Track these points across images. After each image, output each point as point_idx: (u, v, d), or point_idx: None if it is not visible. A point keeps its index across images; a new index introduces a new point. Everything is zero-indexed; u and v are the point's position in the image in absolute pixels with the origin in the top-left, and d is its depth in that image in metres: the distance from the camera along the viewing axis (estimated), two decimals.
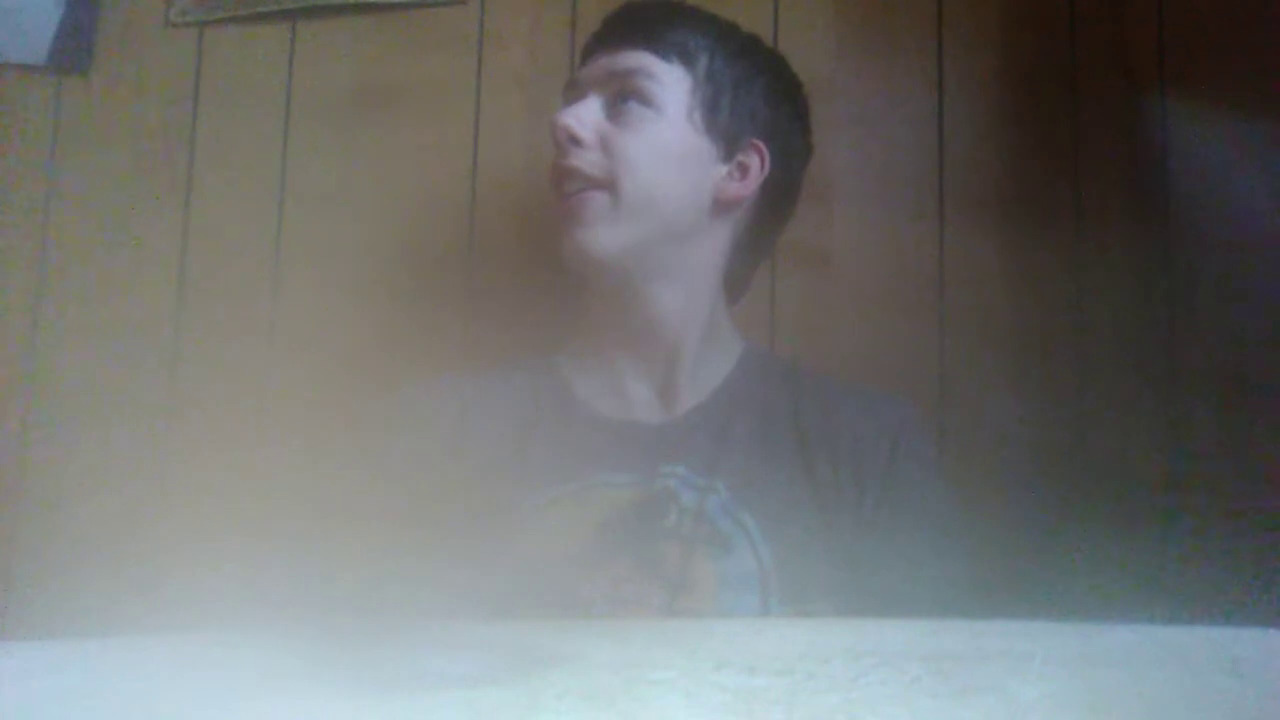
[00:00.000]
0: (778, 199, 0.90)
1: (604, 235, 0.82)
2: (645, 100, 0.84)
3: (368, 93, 1.14)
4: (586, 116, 0.84)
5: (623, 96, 0.84)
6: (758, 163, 0.87)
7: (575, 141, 0.83)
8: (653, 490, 0.79)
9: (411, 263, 1.11)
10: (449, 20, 1.13)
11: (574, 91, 0.88)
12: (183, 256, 1.13)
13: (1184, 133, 1.02)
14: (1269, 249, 0.99)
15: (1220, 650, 0.46)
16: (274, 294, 1.12)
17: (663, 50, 0.85)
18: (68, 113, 1.17)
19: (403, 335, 1.07)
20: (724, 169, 0.86)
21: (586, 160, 0.83)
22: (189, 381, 1.11)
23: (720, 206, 0.86)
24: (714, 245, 0.87)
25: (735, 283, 0.92)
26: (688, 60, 0.85)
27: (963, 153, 1.05)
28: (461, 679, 0.41)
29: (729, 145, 0.86)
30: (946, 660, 0.43)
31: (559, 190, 0.84)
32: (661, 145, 0.84)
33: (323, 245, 1.12)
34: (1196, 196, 1.01)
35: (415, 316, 1.09)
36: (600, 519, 0.77)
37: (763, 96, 0.88)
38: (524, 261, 1.08)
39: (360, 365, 1.06)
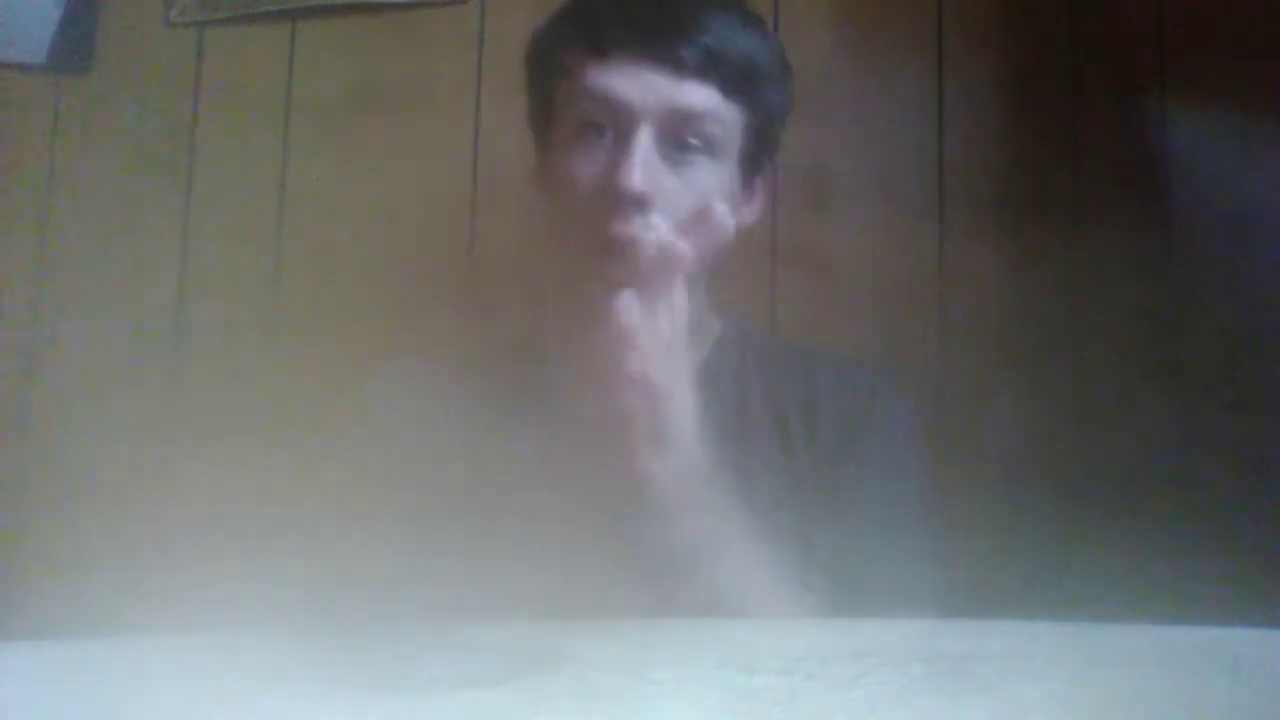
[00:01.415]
0: None
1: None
2: (711, 150, 0.73)
3: (368, 93, 1.14)
4: (654, 169, 0.70)
5: (681, 139, 0.72)
6: (760, 181, 0.82)
7: (641, 207, 0.69)
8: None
9: (411, 262, 1.11)
10: (449, 20, 1.13)
11: (614, 109, 0.71)
12: (183, 256, 1.13)
13: (1184, 133, 1.02)
14: (1269, 248, 0.99)
15: (1220, 650, 0.46)
16: (274, 293, 1.12)
17: (731, 86, 0.72)
18: (68, 113, 1.17)
19: (402, 335, 1.07)
20: (742, 197, 0.80)
21: (649, 229, 0.68)
22: (189, 380, 1.11)
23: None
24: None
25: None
26: (748, 94, 0.74)
27: (963, 153, 1.05)
28: (461, 680, 0.41)
29: (751, 175, 0.79)
30: (946, 660, 0.43)
31: (603, 249, 0.70)
32: (715, 198, 0.72)
33: (323, 245, 1.12)
34: (1196, 196, 1.01)
35: (415, 316, 1.09)
36: (582, 512, 0.77)
37: (785, 110, 0.80)
38: (524, 261, 1.08)
39: (360, 364, 1.06)
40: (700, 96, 0.72)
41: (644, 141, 0.70)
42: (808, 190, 1.04)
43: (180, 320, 1.13)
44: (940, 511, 0.84)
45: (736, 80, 0.73)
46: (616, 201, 0.69)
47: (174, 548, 1.04)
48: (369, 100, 1.14)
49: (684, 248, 0.69)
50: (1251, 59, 1.01)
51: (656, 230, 0.68)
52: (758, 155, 0.78)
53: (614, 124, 0.72)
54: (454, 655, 0.45)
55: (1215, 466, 0.96)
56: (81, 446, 1.10)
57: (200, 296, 1.13)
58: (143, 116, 1.16)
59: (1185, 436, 0.98)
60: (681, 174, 0.72)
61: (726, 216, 0.73)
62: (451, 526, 0.74)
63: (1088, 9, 1.05)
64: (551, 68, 0.76)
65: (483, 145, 1.10)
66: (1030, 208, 1.04)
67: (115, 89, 1.17)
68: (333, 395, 1.05)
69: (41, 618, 1.02)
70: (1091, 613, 0.49)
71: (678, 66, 0.71)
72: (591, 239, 0.70)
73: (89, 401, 1.11)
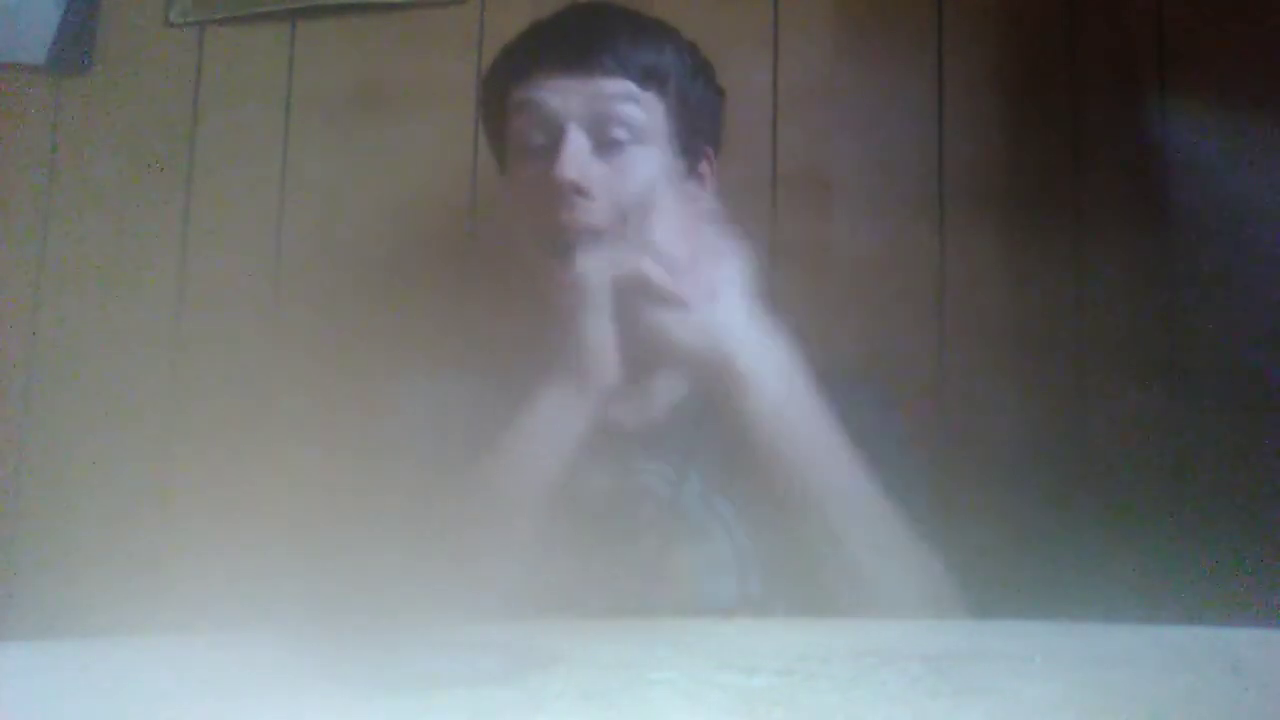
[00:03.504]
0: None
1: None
2: (637, 136, 0.80)
3: (368, 93, 1.14)
4: (586, 162, 0.78)
5: (609, 131, 0.79)
6: (707, 167, 0.87)
7: (581, 194, 0.77)
8: (629, 487, 0.80)
9: (411, 262, 1.11)
10: (449, 20, 1.13)
11: (543, 120, 0.80)
12: (183, 256, 1.13)
13: (1184, 133, 1.02)
14: (1269, 249, 0.99)
15: (1220, 650, 0.46)
16: (274, 293, 1.12)
17: (639, 76, 0.80)
18: (68, 113, 1.17)
19: (402, 335, 1.07)
20: (690, 185, 0.85)
21: (593, 214, 0.77)
22: (189, 381, 1.11)
23: None
24: None
25: None
26: (661, 85, 0.81)
27: (963, 153, 1.05)
28: (461, 679, 0.41)
29: (692, 160, 0.85)
30: (946, 660, 0.43)
31: (558, 241, 0.78)
32: (655, 182, 0.80)
33: (323, 244, 1.12)
34: (1196, 196, 1.01)
35: (415, 316, 1.09)
36: (578, 518, 0.78)
37: (709, 102, 0.87)
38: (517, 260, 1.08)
39: (360, 365, 1.06)
40: (616, 89, 0.79)
41: (574, 139, 0.78)
42: (808, 190, 1.04)
43: (180, 320, 1.13)
44: (940, 511, 0.84)
45: (647, 73, 0.80)
46: (558, 193, 0.77)
47: (174, 548, 1.04)
48: (369, 100, 1.14)
49: (615, 226, 0.77)
50: (1251, 59, 1.01)
51: (589, 214, 0.77)
52: (692, 142, 0.84)
53: (547, 133, 0.79)
54: (454, 654, 0.45)
55: (1215, 466, 0.96)
56: (81, 446, 1.10)
57: (200, 296, 1.13)
58: (143, 116, 1.16)
59: (1185, 436, 0.98)
60: (614, 163, 0.79)
61: (666, 194, 0.80)
62: (450, 525, 0.74)
63: (1088, 9, 1.05)
64: (493, 104, 0.86)
65: (482, 145, 1.10)
66: (1030, 207, 1.04)
67: (115, 89, 1.17)
68: (331, 395, 1.05)
69: (41, 618, 1.02)
70: (1091, 613, 0.49)
71: (592, 70, 0.79)
72: (545, 231, 0.78)
73: (89, 401, 1.11)
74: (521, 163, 0.82)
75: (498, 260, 1.06)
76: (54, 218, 1.15)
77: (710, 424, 0.84)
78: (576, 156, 0.77)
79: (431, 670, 0.42)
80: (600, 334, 0.73)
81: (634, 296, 0.73)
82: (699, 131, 0.85)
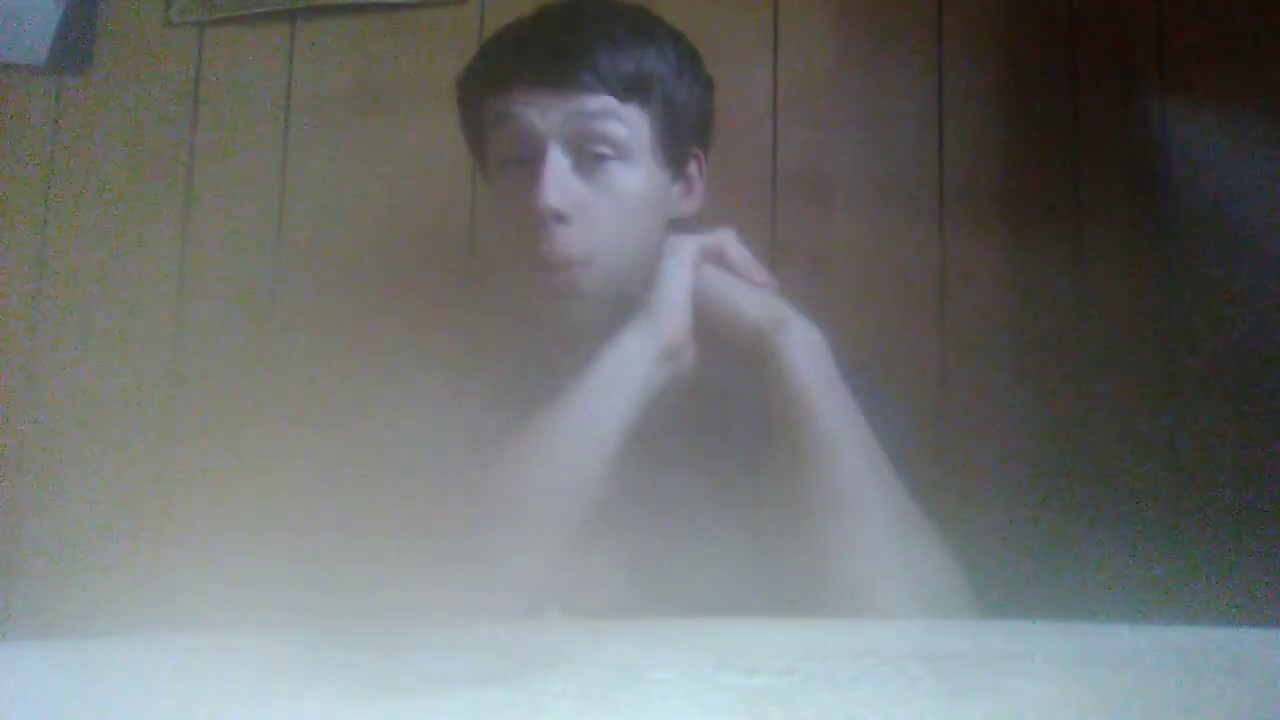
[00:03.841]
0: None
1: (590, 305, 0.79)
2: (620, 154, 0.78)
3: (368, 93, 1.14)
4: (567, 185, 0.76)
5: (591, 149, 0.78)
6: (697, 169, 0.85)
7: (561, 220, 0.76)
8: (629, 486, 0.79)
9: (411, 262, 1.11)
10: (449, 20, 1.13)
11: (522, 136, 0.78)
12: (183, 256, 1.13)
13: (1184, 133, 1.02)
14: (1269, 249, 0.99)
15: (1220, 650, 0.46)
16: (274, 294, 1.12)
17: (620, 90, 0.78)
18: (68, 113, 1.17)
19: (403, 335, 1.07)
20: (676, 190, 0.84)
21: (572, 240, 0.77)
22: (189, 381, 1.11)
23: (673, 223, 0.85)
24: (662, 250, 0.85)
25: None
26: (644, 95, 0.79)
27: (963, 153, 1.05)
28: (461, 679, 0.41)
29: (679, 167, 0.84)
30: (946, 660, 0.43)
31: (537, 266, 0.78)
32: (638, 201, 0.80)
33: (323, 245, 1.12)
34: (1196, 197, 1.01)
35: (415, 317, 1.09)
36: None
37: (696, 99, 0.84)
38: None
39: (360, 365, 1.06)
40: (596, 106, 0.77)
41: (554, 160, 0.76)
42: (808, 190, 1.04)
43: (180, 320, 1.13)
44: (940, 510, 0.84)
45: (629, 85, 0.78)
46: (538, 220, 0.76)
47: (174, 547, 1.04)
48: (369, 100, 1.14)
49: (595, 252, 0.78)
50: (1251, 59, 1.01)
51: (569, 241, 0.76)
52: (679, 147, 0.83)
53: (527, 149, 0.78)
54: (453, 654, 0.45)
55: (1215, 466, 0.96)
56: (81, 446, 1.10)
57: (200, 296, 1.13)
58: (143, 116, 1.16)
59: (1185, 436, 0.98)
60: (597, 183, 0.78)
61: (646, 219, 0.81)
62: (449, 525, 0.74)
63: (1088, 9, 1.05)
64: (470, 110, 0.84)
65: None
66: (1030, 208, 1.04)
67: (115, 89, 1.17)
68: (332, 395, 1.05)
69: (41, 618, 1.02)
70: (1091, 613, 0.49)
71: (573, 86, 0.77)
72: (525, 257, 0.78)
73: (89, 401, 1.11)
74: (502, 177, 0.81)
75: (494, 261, 1.06)
76: (54, 218, 1.15)
77: (710, 424, 0.84)
78: (557, 181, 0.76)
79: (431, 670, 0.42)
80: (680, 291, 0.79)
81: (713, 262, 0.81)
82: (686, 135, 0.83)
